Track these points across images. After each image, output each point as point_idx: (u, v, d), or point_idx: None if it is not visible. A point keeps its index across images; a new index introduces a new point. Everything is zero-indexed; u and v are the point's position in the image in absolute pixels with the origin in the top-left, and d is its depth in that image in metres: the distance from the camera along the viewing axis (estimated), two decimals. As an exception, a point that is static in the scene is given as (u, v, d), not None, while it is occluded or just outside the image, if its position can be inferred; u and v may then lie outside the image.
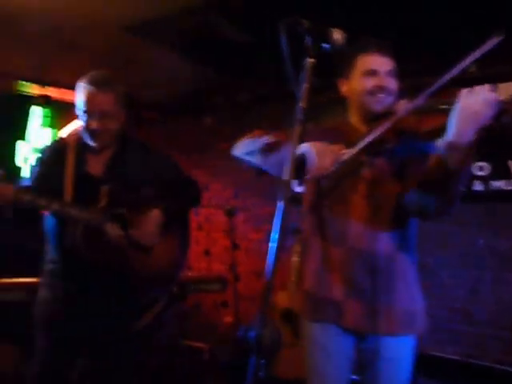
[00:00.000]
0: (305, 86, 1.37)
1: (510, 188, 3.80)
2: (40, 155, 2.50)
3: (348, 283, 1.93)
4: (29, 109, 5.23)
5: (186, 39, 4.01)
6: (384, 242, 1.93)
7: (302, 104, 1.34)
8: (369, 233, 1.92)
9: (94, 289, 2.33)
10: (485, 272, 3.88)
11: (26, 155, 5.20)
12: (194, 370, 4.36)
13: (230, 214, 4.09)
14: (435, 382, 3.51)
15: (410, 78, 2.05)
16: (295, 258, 3.41)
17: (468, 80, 2.04)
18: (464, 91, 1.54)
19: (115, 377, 2.42)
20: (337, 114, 2.14)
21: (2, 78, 4.69)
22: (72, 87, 2.39)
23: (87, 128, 2.33)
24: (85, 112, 2.30)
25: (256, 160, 1.97)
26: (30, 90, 5.12)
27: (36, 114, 5.27)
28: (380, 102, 1.91)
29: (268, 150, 1.91)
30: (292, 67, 1.39)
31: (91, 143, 2.37)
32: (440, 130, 1.59)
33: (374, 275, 1.89)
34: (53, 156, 2.41)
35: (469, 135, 1.51)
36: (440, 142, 1.59)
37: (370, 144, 1.76)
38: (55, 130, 5.39)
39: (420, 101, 1.67)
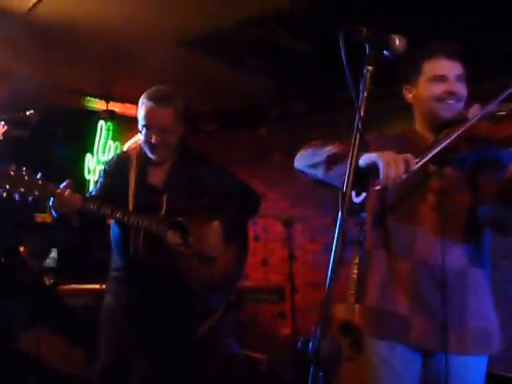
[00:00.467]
0: (364, 95, 1.34)
1: None
2: (104, 167, 2.62)
3: (415, 298, 1.84)
4: (95, 123, 5.47)
5: (244, 51, 4.05)
6: (455, 255, 1.83)
7: (361, 113, 1.31)
8: (438, 245, 1.81)
9: (154, 296, 2.40)
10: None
11: (92, 168, 5.41)
12: (252, 381, 4.36)
13: (288, 224, 4.07)
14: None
15: (475, 84, 1.95)
16: (354, 270, 3.35)
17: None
18: None
19: (173, 383, 2.47)
20: (401, 122, 2.08)
21: (71, 94, 4.93)
22: (134, 102, 2.49)
23: (147, 142, 2.41)
24: (144, 126, 2.39)
25: (319, 172, 1.88)
26: (96, 106, 5.35)
27: (101, 128, 5.49)
28: (449, 109, 1.83)
29: (333, 161, 1.83)
30: (351, 76, 1.36)
31: (151, 156, 2.45)
32: None
33: (444, 290, 1.79)
34: (116, 168, 2.52)
35: None
36: None
37: (439, 152, 1.66)
38: (119, 144, 5.59)
39: (493, 106, 1.59)
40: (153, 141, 2.38)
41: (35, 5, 3.25)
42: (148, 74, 2.39)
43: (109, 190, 2.46)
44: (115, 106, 5.33)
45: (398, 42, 1.43)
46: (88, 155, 5.47)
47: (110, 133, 5.52)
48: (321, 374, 1.12)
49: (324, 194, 4.91)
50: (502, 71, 3.33)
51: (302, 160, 1.98)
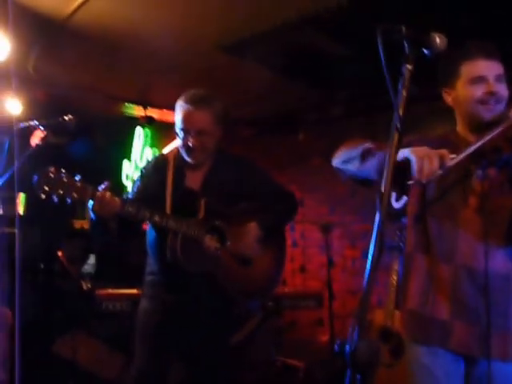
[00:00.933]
0: (403, 94, 1.32)
1: None
2: (142, 170, 2.62)
3: (456, 303, 1.80)
4: (133, 130, 5.53)
5: (282, 55, 4.05)
6: (499, 259, 1.78)
7: (399, 112, 1.29)
8: (481, 249, 1.77)
9: (190, 300, 2.38)
10: None
11: (130, 173, 5.48)
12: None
13: (326, 229, 4.03)
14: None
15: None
16: (394, 276, 3.31)
17: None
18: None
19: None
20: (443, 125, 2.04)
21: (110, 101, 5.00)
22: (172, 108, 2.47)
23: (184, 145, 2.40)
24: (182, 130, 2.37)
25: (354, 166, 1.87)
26: (134, 112, 5.41)
27: (139, 134, 5.55)
28: (491, 110, 1.79)
29: (367, 155, 1.82)
30: (389, 75, 1.34)
31: (188, 159, 2.43)
32: None
33: (487, 295, 1.75)
34: (153, 171, 2.51)
35: None
36: None
37: (481, 152, 1.64)
38: (156, 150, 5.65)
39: None
40: (190, 144, 2.36)
41: (75, 11, 3.31)
42: (186, 80, 2.40)
43: (146, 193, 2.45)
44: (153, 112, 5.39)
45: (438, 40, 1.40)
46: (126, 161, 5.55)
47: (148, 139, 5.58)
48: (358, 376, 1.10)
49: (363, 200, 4.86)
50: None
51: (339, 157, 1.98)
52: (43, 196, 2.06)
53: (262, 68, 4.28)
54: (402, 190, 1.77)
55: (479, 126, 1.80)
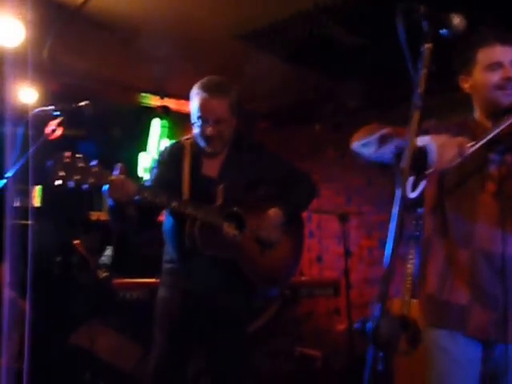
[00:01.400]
0: (423, 72, 1.32)
1: None
2: (158, 157, 2.59)
3: (474, 287, 1.81)
4: (150, 121, 5.50)
5: (298, 46, 4.03)
6: None
7: (419, 90, 1.28)
8: (499, 234, 1.78)
9: (209, 287, 2.37)
10: None
11: (146, 166, 5.47)
12: (307, 377, 4.33)
13: (343, 219, 4.02)
14: None
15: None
16: (410, 266, 3.32)
17: None
18: None
19: (229, 377, 2.45)
20: (458, 116, 2.03)
21: (126, 91, 4.98)
22: (188, 98, 2.44)
23: (201, 134, 2.37)
24: (199, 118, 2.35)
25: (371, 150, 1.87)
26: (150, 102, 5.39)
27: (156, 125, 5.52)
28: (508, 95, 1.79)
29: (384, 139, 1.81)
30: (409, 54, 1.33)
31: (205, 148, 2.42)
32: None
33: (504, 280, 1.76)
34: (170, 158, 2.49)
35: None
36: None
37: (498, 139, 1.65)
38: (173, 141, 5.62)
39: None
40: (208, 133, 2.34)
41: (88, -1, 3.28)
42: (202, 71, 2.39)
43: (163, 180, 2.42)
44: (170, 103, 5.35)
45: (457, 20, 1.40)
46: (142, 153, 5.54)
47: (165, 130, 5.55)
48: (380, 354, 1.09)
49: (379, 190, 4.84)
50: None
51: (358, 140, 1.97)
52: (59, 182, 2.01)
53: (278, 58, 4.26)
54: (418, 176, 1.77)
55: (497, 112, 1.80)
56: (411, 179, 1.98)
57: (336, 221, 4.34)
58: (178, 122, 5.50)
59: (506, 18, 1.99)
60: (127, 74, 4.64)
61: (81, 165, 2.05)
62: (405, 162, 1.21)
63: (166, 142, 5.57)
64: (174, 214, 2.36)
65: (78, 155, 2.06)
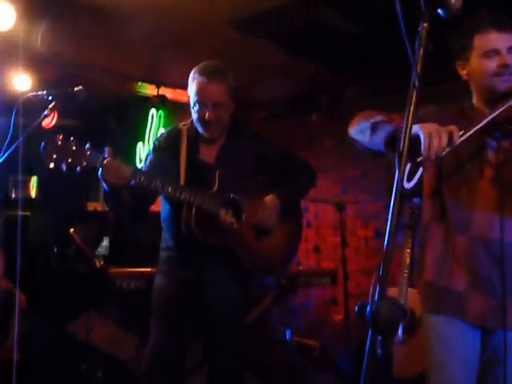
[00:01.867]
0: (420, 52, 1.29)
1: None
2: (154, 143, 2.56)
3: (472, 274, 1.81)
4: (147, 111, 5.46)
5: (294, 34, 4.00)
6: None
7: (417, 70, 1.26)
8: (497, 220, 1.77)
9: (206, 275, 2.36)
10: None
11: (144, 156, 5.44)
12: (305, 367, 4.33)
13: (340, 208, 4.00)
14: None
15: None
16: (406, 255, 3.32)
17: None
18: None
19: (227, 366, 2.43)
20: (460, 99, 2.01)
21: (122, 79, 4.92)
22: (185, 87, 2.42)
23: (199, 118, 2.35)
24: (197, 102, 2.33)
25: (366, 137, 1.85)
26: (147, 92, 5.34)
27: (153, 116, 5.49)
28: (505, 81, 1.78)
29: (378, 126, 1.79)
30: (407, 34, 1.31)
31: (203, 133, 2.40)
32: None
33: (502, 266, 1.75)
34: (166, 144, 2.47)
35: None
36: None
37: (495, 124, 1.63)
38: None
39: None
40: (206, 117, 2.32)
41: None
42: (200, 59, 2.36)
43: (159, 166, 2.40)
44: (166, 92, 5.31)
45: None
46: (139, 144, 5.51)
47: (162, 120, 5.52)
48: (379, 338, 1.08)
49: (375, 180, 4.84)
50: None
51: (354, 127, 1.96)
52: (51, 165, 2.00)
53: (274, 46, 4.23)
54: (413, 164, 1.75)
55: (494, 98, 1.79)
56: (407, 168, 1.97)
57: (333, 211, 4.32)
58: (175, 112, 5.47)
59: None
60: (123, 61, 4.58)
61: (74, 147, 2.03)
62: (402, 145, 1.19)
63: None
64: (170, 200, 2.35)
65: (70, 138, 2.04)
